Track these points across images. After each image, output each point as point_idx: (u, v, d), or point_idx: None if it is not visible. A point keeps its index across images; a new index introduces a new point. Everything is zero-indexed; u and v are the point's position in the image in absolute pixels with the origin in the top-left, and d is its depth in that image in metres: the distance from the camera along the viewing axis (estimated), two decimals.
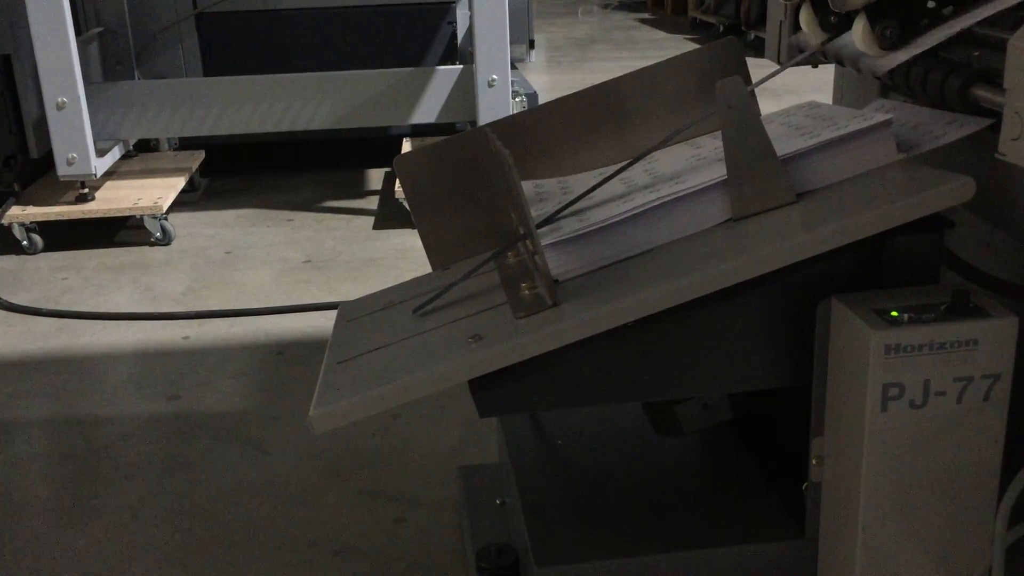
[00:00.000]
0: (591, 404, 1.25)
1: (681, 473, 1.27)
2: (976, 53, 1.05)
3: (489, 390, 1.01)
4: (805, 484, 1.08)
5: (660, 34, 7.15)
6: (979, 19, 1.01)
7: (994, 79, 0.98)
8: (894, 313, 0.94)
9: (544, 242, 1.06)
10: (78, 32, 2.84)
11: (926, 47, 1.06)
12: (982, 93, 1.00)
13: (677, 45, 6.56)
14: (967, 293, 0.94)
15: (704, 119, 1.24)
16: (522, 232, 1.15)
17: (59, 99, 2.71)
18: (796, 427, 1.09)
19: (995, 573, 0.98)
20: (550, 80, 5.41)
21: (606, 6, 8.95)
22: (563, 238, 1.06)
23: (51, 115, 2.72)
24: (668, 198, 1.06)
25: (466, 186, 1.33)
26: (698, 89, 1.36)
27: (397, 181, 3.03)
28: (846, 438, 0.99)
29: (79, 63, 2.71)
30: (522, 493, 1.23)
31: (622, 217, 1.06)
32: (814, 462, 1.05)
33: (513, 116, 1.37)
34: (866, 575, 1.00)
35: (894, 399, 0.94)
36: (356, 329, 1.22)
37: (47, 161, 2.90)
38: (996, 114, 0.97)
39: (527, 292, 1.07)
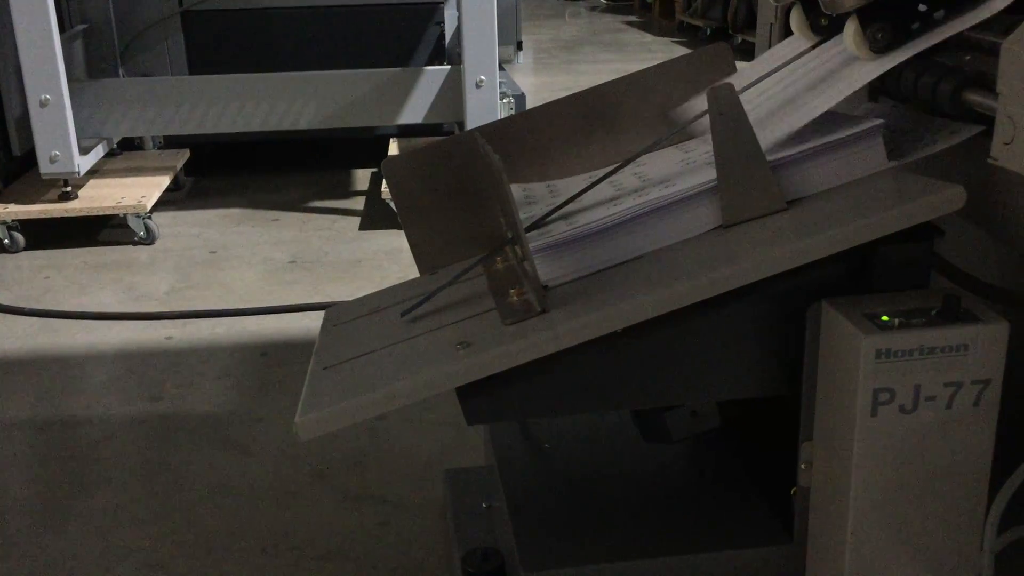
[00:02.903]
0: (580, 412, 1.24)
1: (668, 477, 1.26)
2: (968, 57, 1.05)
3: (477, 397, 1.00)
4: (794, 489, 1.08)
5: (648, 37, 7.16)
6: (968, 25, 1.01)
7: (986, 83, 0.98)
8: (885, 318, 0.94)
9: (533, 247, 1.05)
10: (62, 29, 2.82)
11: (910, 54, 1.06)
12: (974, 97, 1.00)
13: (664, 48, 6.57)
14: (958, 298, 0.94)
15: (692, 123, 1.24)
16: (511, 237, 1.14)
17: (42, 96, 2.68)
18: (785, 432, 1.09)
19: None
20: (538, 82, 5.41)
21: (594, 8, 8.96)
22: (552, 244, 1.05)
23: (34, 112, 2.70)
24: (658, 204, 1.06)
25: (455, 190, 1.32)
26: (688, 94, 1.36)
27: (384, 182, 3.02)
28: (836, 443, 0.99)
29: (63, 60, 2.68)
30: (508, 497, 1.22)
31: (612, 223, 1.05)
32: (803, 467, 1.05)
33: (502, 120, 1.36)
34: None
35: (884, 404, 0.94)
36: (342, 334, 1.21)
37: (30, 158, 2.87)
38: (988, 119, 0.97)
39: (516, 298, 1.06)
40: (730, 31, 6.19)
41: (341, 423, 0.98)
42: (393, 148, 3.30)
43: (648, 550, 1.12)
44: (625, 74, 1.38)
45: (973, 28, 1.03)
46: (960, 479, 0.97)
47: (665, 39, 7.00)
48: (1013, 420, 1.01)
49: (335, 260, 2.75)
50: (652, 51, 6.41)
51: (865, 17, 1.06)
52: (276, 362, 2.13)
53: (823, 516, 1.04)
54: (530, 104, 3.08)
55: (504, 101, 3.06)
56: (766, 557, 1.11)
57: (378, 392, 0.97)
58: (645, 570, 1.10)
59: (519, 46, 5.98)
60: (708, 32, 6.66)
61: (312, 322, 2.32)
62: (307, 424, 0.97)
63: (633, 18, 8.26)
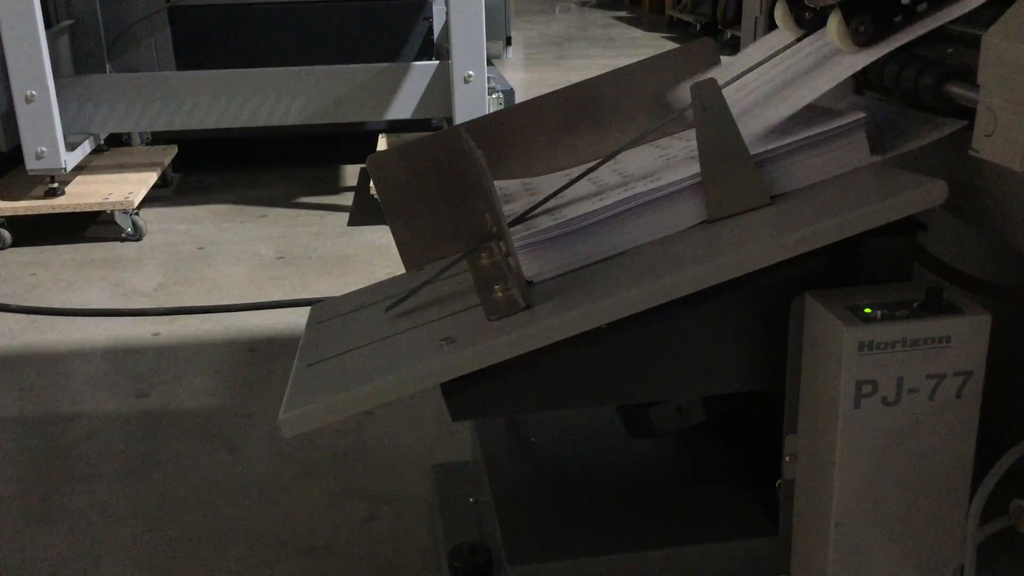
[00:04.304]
0: (565, 408, 1.24)
1: (654, 471, 1.27)
2: (950, 50, 1.05)
3: (461, 393, 1.00)
4: (778, 481, 1.08)
5: (637, 32, 7.17)
6: (952, 17, 1.01)
7: (968, 76, 0.98)
8: (868, 310, 0.94)
9: (517, 243, 1.05)
10: (48, 24, 2.81)
11: (897, 45, 1.06)
12: (956, 90, 1.00)
13: (654, 43, 6.57)
14: (940, 290, 0.94)
15: (675, 118, 1.24)
16: (495, 232, 1.14)
17: (28, 92, 2.67)
18: (770, 424, 1.09)
19: (967, 570, 0.98)
20: (527, 77, 5.41)
21: (584, 4, 8.96)
22: (537, 240, 1.05)
23: (20, 108, 2.69)
24: (642, 199, 1.06)
25: (440, 187, 1.31)
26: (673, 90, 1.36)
27: None
28: (819, 435, 0.99)
29: (49, 56, 2.67)
30: (495, 491, 1.22)
31: (597, 219, 1.05)
32: (788, 459, 1.05)
33: (487, 116, 1.36)
34: (838, 572, 1.00)
35: (867, 396, 0.94)
36: (327, 331, 1.21)
37: (16, 155, 2.86)
38: (970, 111, 0.97)
39: (500, 294, 1.06)
40: (720, 26, 6.20)
41: (325, 420, 0.97)
42: (382, 143, 3.29)
43: (634, 544, 1.12)
44: (611, 69, 1.38)
45: (955, 21, 1.04)
46: (943, 471, 0.97)
47: (655, 34, 7.01)
48: (995, 411, 1.01)
49: (323, 256, 2.75)
50: (641, 47, 6.42)
51: (848, 10, 1.07)
52: (264, 358, 2.13)
53: (807, 508, 1.04)
54: (519, 99, 3.09)
55: (493, 96, 3.05)
56: (751, 549, 1.12)
57: (362, 388, 0.97)
58: (631, 564, 1.11)
59: (508, 41, 5.98)
60: (698, 27, 6.67)
61: (300, 318, 2.31)
62: (291, 421, 0.97)
63: (623, 13, 8.27)
